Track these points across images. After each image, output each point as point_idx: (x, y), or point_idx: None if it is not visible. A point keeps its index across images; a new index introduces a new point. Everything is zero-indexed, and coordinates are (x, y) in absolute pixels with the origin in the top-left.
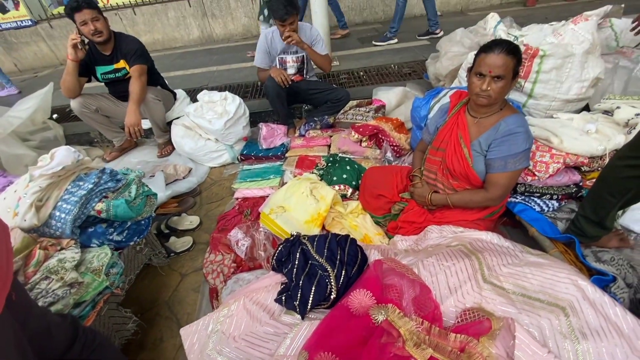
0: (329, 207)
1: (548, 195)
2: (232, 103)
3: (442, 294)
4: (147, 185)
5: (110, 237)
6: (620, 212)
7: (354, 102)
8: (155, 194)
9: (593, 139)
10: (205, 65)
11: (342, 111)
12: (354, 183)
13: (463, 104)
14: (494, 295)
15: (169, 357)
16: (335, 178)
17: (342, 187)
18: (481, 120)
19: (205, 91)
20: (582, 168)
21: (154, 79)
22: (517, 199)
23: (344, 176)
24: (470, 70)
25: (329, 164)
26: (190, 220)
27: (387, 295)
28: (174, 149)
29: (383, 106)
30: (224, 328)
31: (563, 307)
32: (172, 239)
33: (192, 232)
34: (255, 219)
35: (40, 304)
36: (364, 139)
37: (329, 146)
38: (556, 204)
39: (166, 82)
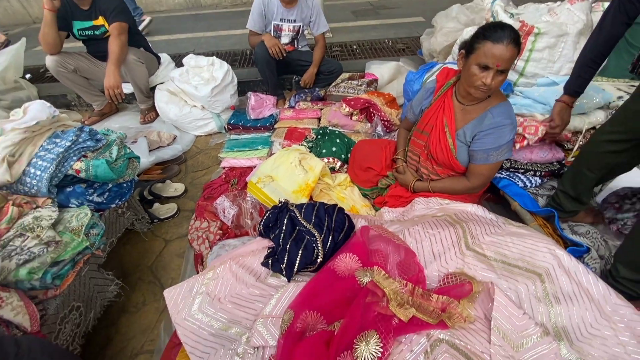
0: (317, 178)
1: (532, 172)
2: (219, 69)
3: (426, 259)
4: (129, 148)
5: (90, 198)
6: (597, 190)
7: (346, 75)
8: (138, 157)
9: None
10: (192, 31)
11: (333, 84)
12: (342, 156)
13: (450, 85)
14: (476, 262)
15: (151, 319)
16: (324, 151)
17: (331, 160)
18: (468, 107)
19: (191, 55)
20: (565, 145)
21: (135, 39)
22: (502, 174)
23: (333, 149)
24: (467, 53)
25: (319, 137)
26: (175, 188)
27: (372, 259)
28: (157, 115)
29: (375, 80)
30: (209, 290)
31: (540, 274)
32: (156, 205)
33: (177, 199)
34: (242, 188)
35: (14, 261)
36: (355, 112)
37: (319, 119)
38: (539, 181)
39: (150, 44)
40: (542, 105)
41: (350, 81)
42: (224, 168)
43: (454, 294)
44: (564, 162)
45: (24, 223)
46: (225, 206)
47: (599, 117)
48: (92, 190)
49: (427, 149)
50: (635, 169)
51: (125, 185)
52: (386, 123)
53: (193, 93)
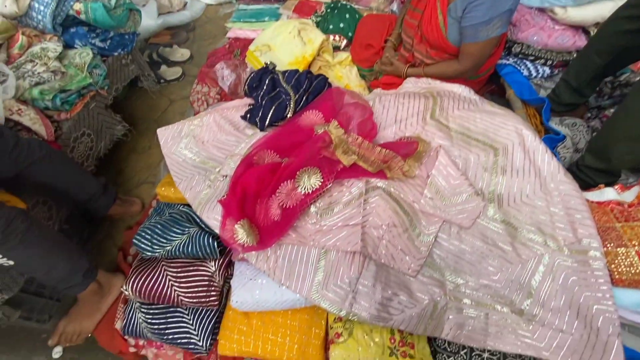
0: (316, 52)
1: (542, 60)
2: None
3: (387, 123)
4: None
5: (93, 42)
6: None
7: None
8: (139, 10)
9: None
10: None
11: None
12: (350, 34)
13: None
14: (435, 130)
15: (155, 160)
16: (331, 26)
17: (337, 37)
18: None
19: None
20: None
21: None
22: (508, 60)
23: (341, 25)
24: None
25: (328, 11)
26: (181, 53)
27: (337, 119)
28: None
29: None
30: (195, 133)
31: (496, 149)
32: (163, 67)
33: (183, 64)
34: (244, 59)
35: (27, 81)
36: None
37: None
38: (547, 71)
39: None
40: None
41: None
42: (229, 38)
43: (403, 152)
44: None
45: (33, 51)
46: (224, 73)
47: None
48: (95, 35)
49: (420, 29)
50: None
51: (127, 37)
52: None
53: None
